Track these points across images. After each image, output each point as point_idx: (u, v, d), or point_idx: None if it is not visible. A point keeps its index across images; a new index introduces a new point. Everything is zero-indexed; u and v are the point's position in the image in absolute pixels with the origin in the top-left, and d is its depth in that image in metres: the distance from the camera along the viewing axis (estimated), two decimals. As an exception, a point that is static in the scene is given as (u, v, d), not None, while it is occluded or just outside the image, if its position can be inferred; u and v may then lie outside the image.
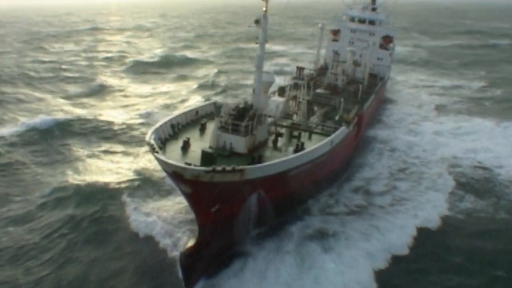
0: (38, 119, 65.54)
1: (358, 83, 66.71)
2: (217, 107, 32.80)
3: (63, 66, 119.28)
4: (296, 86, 48.80)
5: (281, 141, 37.26)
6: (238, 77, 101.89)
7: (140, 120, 67.55)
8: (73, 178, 46.03)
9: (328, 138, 37.50)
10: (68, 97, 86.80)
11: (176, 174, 27.83)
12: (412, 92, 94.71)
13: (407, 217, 38.99)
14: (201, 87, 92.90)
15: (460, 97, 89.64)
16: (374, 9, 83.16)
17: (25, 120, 65.86)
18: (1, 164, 51.39)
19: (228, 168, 27.70)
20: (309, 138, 39.91)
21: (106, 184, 43.96)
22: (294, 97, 48.42)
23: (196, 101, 76.55)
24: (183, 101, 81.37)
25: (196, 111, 39.96)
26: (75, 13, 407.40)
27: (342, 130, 41.25)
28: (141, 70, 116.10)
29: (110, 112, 73.85)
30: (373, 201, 42.53)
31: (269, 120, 37.00)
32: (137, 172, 46.72)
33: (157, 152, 29.02)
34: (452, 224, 39.07)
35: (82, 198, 41.25)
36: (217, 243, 32.09)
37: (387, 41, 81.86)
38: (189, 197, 29.93)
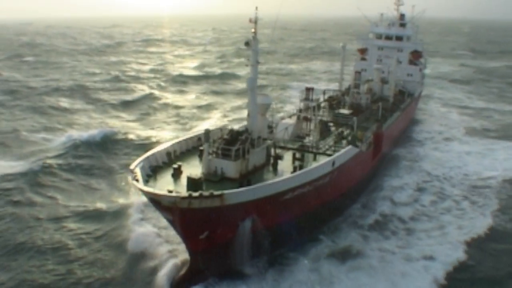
0: (95, 131, 66.31)
1: (385, 101, 65.02)
2: (206, 133, 32.38)
3: (119, 77, 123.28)
4: (307, 107, 47.76)
5: (282, 164, 36.25)
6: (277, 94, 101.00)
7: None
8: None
9: (329, 159, 36.16)
10: (120, 109, 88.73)
11: (154, 201, 27.54)
12: (444, 111, 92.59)
13: None
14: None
15: (491, 120, 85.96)
16: (403, 25, 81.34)
17: (79, 132, 66.92)
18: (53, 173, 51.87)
19: (206, 193, 27.11)
20: (314, 159, 38.72)
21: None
22: (306, 119, 47.38)
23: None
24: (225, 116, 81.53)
25: (198, 137, 39.69)
26: (124, 25, 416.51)
27: (348, 150, 39.73)
28: (185, 82, 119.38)
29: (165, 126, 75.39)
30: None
31: (268, 143, 36.05)
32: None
33: (136, 180, 28.87)
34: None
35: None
36: (212, 271, 31.37)
37: (416, 56, 79.59)
38: (172, 224, 29.50)
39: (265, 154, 35.56)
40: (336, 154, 37.52)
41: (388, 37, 78.76)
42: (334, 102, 62.54)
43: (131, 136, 66.38)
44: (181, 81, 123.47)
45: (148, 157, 33.13)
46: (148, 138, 66.07)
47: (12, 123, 74.41)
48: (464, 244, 37.71)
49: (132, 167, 31.00)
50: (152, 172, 32.67)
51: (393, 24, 79.40)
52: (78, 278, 32.03)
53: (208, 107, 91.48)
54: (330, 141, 44.65)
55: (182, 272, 31.26)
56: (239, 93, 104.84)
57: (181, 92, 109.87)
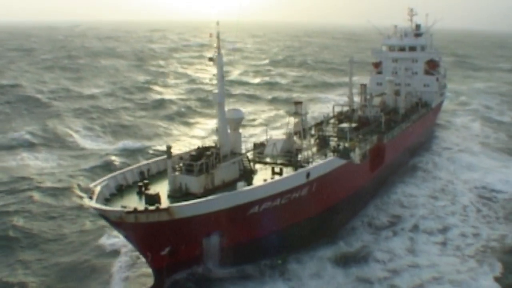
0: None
1: (395, 112, 63.32)
2: (168, 149, 32.34)
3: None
4: (297, 122, 46.82)
5: (258, 179, 35.52)
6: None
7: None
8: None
9: (302, 170, 35.13)
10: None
11: (104, 217, 27.60)
12: (466, 121, 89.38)
13: None
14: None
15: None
16: (419, 35, 79.35)
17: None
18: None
19: (151, 207, 26.90)
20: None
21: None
22: (296, 133, 46.53)
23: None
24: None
25: (179, 156, 39.61)
26: (168, 29, 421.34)
27: (330, 161, 38.56)
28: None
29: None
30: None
31: (239, 157, 35.42)
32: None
33: (90, 198, 29.07)
34: None
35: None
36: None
37: (432, 66, 77.19)
38: (128, 240, 29.41)
39: (237, 169, 35.06)
40: (311, 165, 36.45)
41: (401, 48, 76.92)
42: (342, 117, 61.41)
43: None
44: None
45: (115, 176, 33.38)
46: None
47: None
48: None
49: (92, 185, 31.30)
50: (117, 191, 32.76)
51: (406, 35, 77.50)
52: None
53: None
54: (328, 154, 43.43)
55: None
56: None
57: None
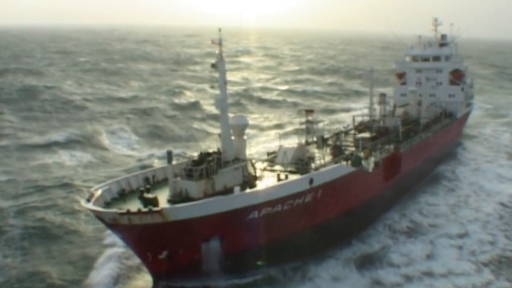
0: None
1: (415, 123, 62.28)
2: (169, 154, 32.60)
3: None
4: (308, 131, 46.45)
5: (262, 185, 35.29)
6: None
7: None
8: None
9: (305, 175, 34.69)
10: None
11: (100, 219, 27.94)
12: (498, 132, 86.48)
13: None
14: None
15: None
16: (444, 45, 77.96)
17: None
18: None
19: (144, 209, 27.07)
20: None
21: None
22: (307, 143, 46.30)
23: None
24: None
25: (186, 163, 39.78)
26: (204, 35, 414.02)
27: (336, 168, 38.00)
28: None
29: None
30: None
31: (242, 163, 35.26)
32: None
33: (88, 200, 29.49)
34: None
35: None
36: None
37: (457, 76, 75.47)
38: (125, 242, 29.62)
39: (241, 175, 34.93)
40: (316, 172, 35.97)
41: (425, 59, 75.66)
42: (361, 127, 60.75)
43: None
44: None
45: (118, 181, 33.79)
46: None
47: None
48: None
49: (93, 189, 31.81)
50: (119, 195, 33.08)
51: (430, 45, 76.21)
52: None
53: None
54: (330, 163, 42.96)
55: None
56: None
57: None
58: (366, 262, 36.69)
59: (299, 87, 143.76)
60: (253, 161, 38.65)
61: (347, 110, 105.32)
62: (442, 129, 64.62)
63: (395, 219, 45.99)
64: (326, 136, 53.46)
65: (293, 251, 35.13)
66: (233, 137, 35.50)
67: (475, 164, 65.11)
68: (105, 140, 74.07)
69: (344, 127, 61.73)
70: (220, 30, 33.89)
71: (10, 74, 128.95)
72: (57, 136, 72.44)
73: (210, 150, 34.54)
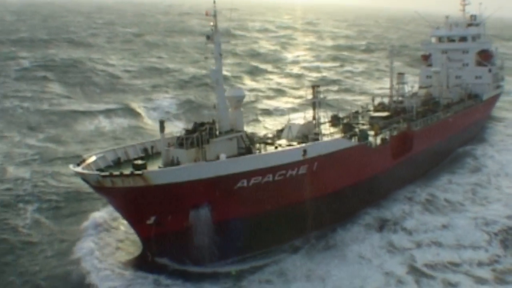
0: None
1: (435, 103, 60.87)
2: (161, 123, 33.18)
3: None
4: (314, 106, 46.13)
5: None
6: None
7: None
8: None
9: (298, 146, 34.57)
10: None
11: (87, 182, 28.83)
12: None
13: None
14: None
15: None
16: (473, 25, 75.41)
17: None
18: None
19: (126, 172, 27.73)
20: None
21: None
22: (314, 118, 45.92)
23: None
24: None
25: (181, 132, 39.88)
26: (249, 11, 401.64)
27: (335, 141, 37.68)
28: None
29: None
30: None
31: (237, 134, 35.39)
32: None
33: (78, 165, 30.40)
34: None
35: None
36: (167, 259, 31.43)
37: (485, 56, 73.05)
38: (112, 206, 30.44)
39: (236, 146, 35.16)
40: (310, 143, 35.77)
41: (451, 39, 73.42)
42: (379, 107, 59.80)
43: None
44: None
45: (115, 150, 34.57)
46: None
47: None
48: None
49: (86, 155, 32.78)
50: (114, 164, 33.86)
51: (456, 25, 73.83)
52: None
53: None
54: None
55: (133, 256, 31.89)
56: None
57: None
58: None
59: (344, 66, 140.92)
60: (252, 133, 38.68)
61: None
62: (464, 110, 62.76)
63: (417, 192, 46.99)
64: (342, 115, 53.10)
65: (289, 224, 35.07)
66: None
67: (503, 145, 64.00)
68: (144, 110, 75.59)
69: (362, 107, 61.10)
70: (214, 1, 34.07)
71: (55, 44, 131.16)
72: (98, 105, 75.13)
73: (205, 121, 34.93)
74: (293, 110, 73.30)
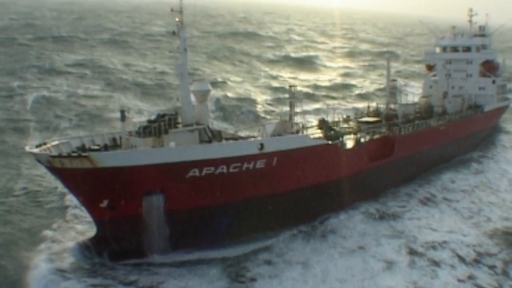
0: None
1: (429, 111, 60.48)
2: (122, 113, 34.44)
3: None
4: (290, 106, 46.63)
5: None
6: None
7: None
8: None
9: (253, 140, 35.26)
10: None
11: (40, 162, 30.27)
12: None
13: None
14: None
15: None
16: (482, 36, 74.52)
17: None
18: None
19: (74, 154, 29.01)
20: None
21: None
22: (290, 118, 46.46)
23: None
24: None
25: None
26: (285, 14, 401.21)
27: (299, 138, 38.12)
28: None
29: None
30: None
31: (198, 127, 36.15)
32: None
33: (36, 147, 31.86)
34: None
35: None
36: (120, 245, 32.23)
37: (489, 68, 71.86)
38: (67, 188, 31.71)
39: (197, 139, 36.06)
40: (269, 138, 36.38)
41: (455, 49, 72.64)
42: (372, 113, 59.74)
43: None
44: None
45: (81, 138, 35.71)
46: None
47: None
48: None
49: (50, 140, 34.22)
50: (79, 150, 35.10)
51: (462, 35, 73.04)
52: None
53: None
54: None
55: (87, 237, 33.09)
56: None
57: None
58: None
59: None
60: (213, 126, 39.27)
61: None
62: (460, 120, 61.96)
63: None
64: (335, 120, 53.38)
65: (247, 219, 35.58)
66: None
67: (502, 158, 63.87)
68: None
69: (357, 113, 61.32)
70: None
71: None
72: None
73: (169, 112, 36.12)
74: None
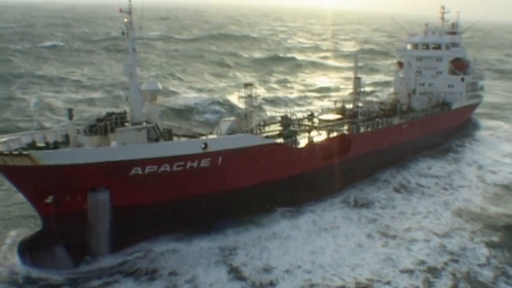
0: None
1: (393, 109, 61.42)
2: (69, 111, 35.31)
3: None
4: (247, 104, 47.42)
5: None
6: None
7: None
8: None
9: (196, 139, 36.24)
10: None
11: None
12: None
13: None
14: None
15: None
16: (454, 33, 75.41)
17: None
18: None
19: (15, 152, 29.96)
20: None
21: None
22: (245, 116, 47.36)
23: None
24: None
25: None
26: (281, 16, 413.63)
27: (244, 137, 39.04)
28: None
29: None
30: None
31: (146, 126, 36.89)
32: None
33: None
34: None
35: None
36: (65, 240, 33.19)
37: (458, 65, 72.69)
38: (12, 184, 32.67)
39: (145, 137, 36.82)
40: (213, 137, 37.30)
41: (426, 47, 73.49)
42: (336, 111, 60.70)
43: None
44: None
45: (32, 134, 36.25)
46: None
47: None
48: None
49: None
50: (29, 147, 35.72)
51: (434, 33, 73.82)
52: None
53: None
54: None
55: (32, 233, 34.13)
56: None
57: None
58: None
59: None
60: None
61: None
62: (425, 118, 62.90)
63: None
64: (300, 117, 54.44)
65: (192, 215, 36.75)
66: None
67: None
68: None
69: (322, 109, 62.35)
70: (130, 0, 36.05)
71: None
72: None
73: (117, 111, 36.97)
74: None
